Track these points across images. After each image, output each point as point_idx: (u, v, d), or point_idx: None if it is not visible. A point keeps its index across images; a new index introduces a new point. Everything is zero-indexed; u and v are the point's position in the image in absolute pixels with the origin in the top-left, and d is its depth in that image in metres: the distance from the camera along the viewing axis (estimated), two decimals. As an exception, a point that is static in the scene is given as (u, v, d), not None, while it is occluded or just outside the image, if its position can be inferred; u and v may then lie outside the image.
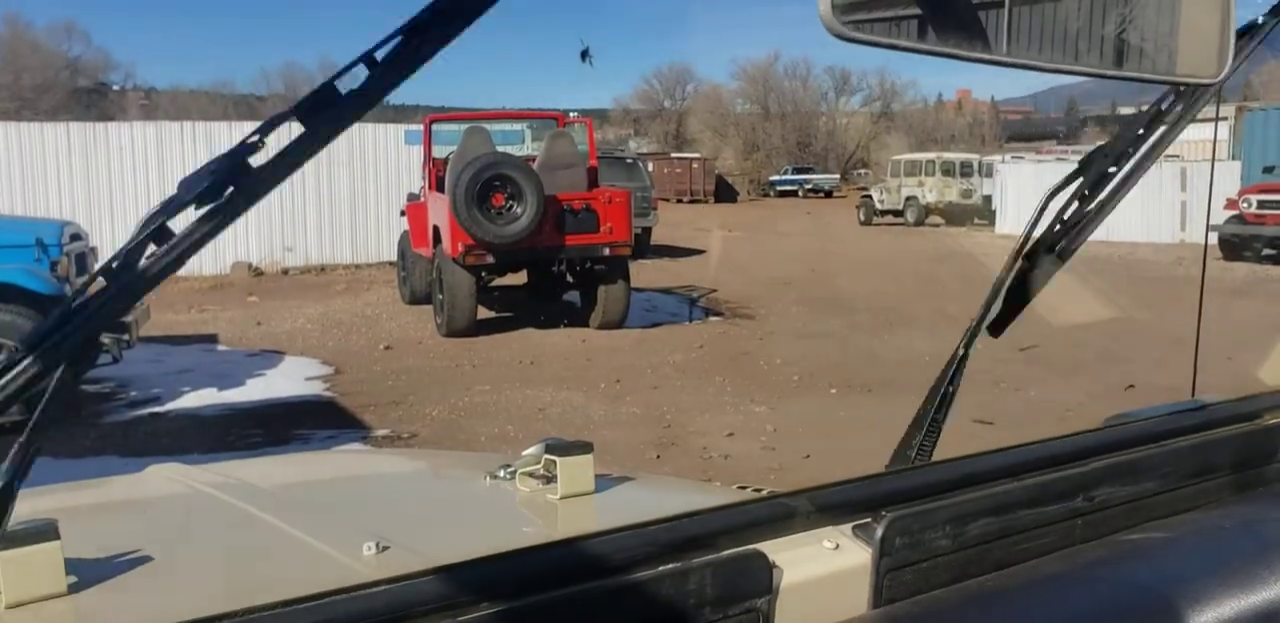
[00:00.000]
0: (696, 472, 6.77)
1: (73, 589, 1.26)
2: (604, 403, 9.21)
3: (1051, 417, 7.96)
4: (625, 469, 1.98)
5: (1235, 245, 21.50)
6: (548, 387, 9.79)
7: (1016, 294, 1.44)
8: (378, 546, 1.40)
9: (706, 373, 10.44)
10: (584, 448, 1.70)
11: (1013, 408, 8.61)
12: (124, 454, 7.60)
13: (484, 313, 13.13)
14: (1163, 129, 1.35)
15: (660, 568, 0.93)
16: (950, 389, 1.48)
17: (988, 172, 36.19)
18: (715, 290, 16.50)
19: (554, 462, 1.68)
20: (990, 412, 8.25)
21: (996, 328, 1.47)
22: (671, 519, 0.98)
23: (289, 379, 10.44)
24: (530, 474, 1.74)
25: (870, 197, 38.71)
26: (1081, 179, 1.43)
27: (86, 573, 1.29)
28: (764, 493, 1.89)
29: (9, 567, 1.20)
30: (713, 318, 14.41)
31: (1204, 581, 1.11)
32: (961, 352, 1.47)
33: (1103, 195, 1.42)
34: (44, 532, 1.22)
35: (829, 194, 57.25)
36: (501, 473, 1.80)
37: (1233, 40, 1.03)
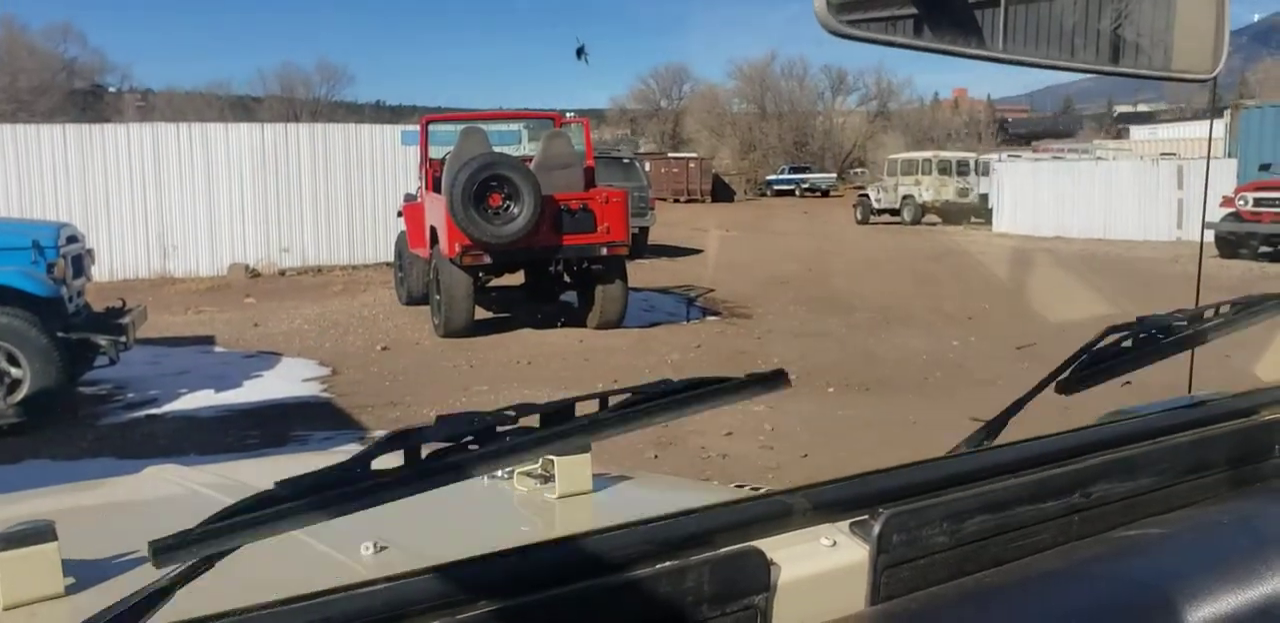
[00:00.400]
0: (695, 471, 6.77)
1: (70, 591, 1.25)
2: (602, 403, 9.20)
3: (1050, 414, 7.95)
4: (623, 469, 1.98)
5: (1232, 243, 21.52)
6: (545, 387, 9.79)
7: (1104, 364, 1.41)
8: (375, 545, 1.40)
9: (704, 372, 10.37)
10: (582, 448, 1.70)
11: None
12: (122, 456, 7.61)
13: (481, 313, 13.14)
14: None
15: (658, 566, 0.93)
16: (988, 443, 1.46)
17: (984, 170, 36.22)
18: (713, 290, 16.51)
19: (551, 461, 1.68)
20: (986, 410, 8.25)
21: (1069, 387, 1.44)
22: (668, 517, 0.98)
23: (286, 380, 10.44)
24: (528, 474, 1.74)
25: (867, 196, 38.71)
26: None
27: (84, 574, 1.29)
28: (762, 491, 1.89)
29: (6, 568, 1.20)
30: (710, 317, 14.41)
31: (1201, 577, 1.11)
32: (1023, 399, 1.45)
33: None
34: (41, 533, 1.22)
35: (826, 193, 57.24)
36: (499, 473, 1.80)
37: (1227, 36, 1.03)
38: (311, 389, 10.07)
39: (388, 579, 0.83)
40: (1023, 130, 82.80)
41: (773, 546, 1.00)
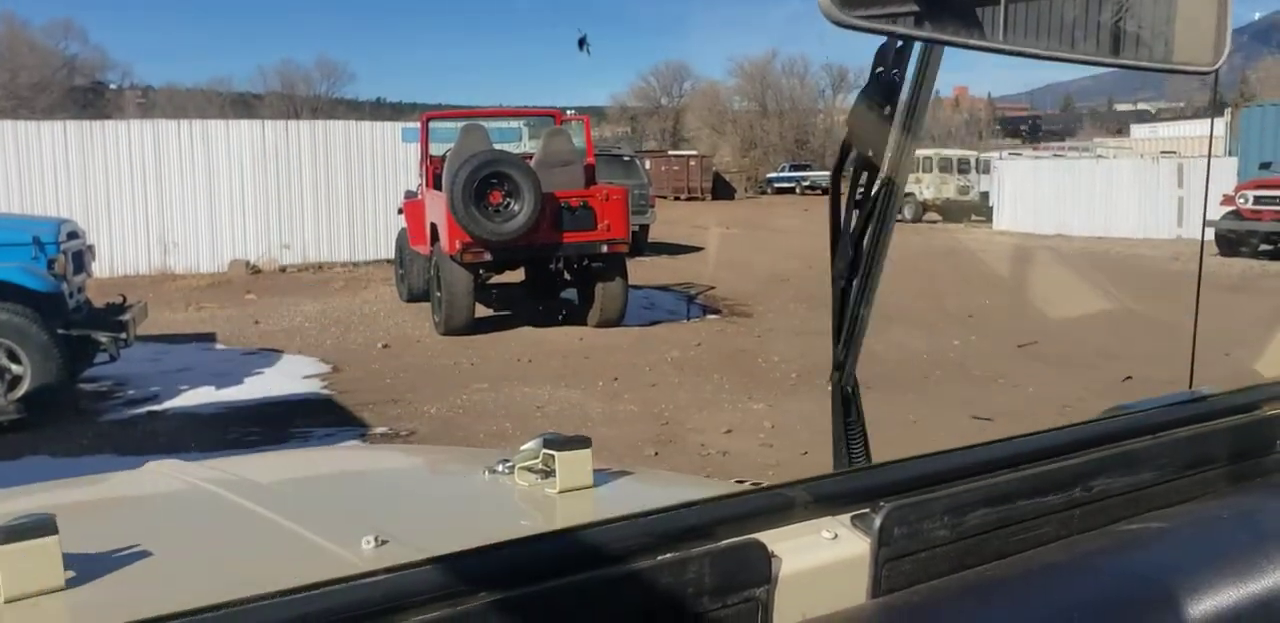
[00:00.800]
0: (695, 468, 6.77)
1: (71, 584, 1.25)
2: (602, 400, 9.21)
3: (1050, 412, 7.97)
4: (624, 464, 1.98)
5: (1231, 241, 21.51)
6: (545, 384, 9.80)
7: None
8: (376, 539, 1.40)
9: (704, 370, 10.45)
10: (582, 442, 1.70)
11: (1011, 404, 8.61)
12: (122, 453, 7.62)
13: (482, 311, 13.14)
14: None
15: (659, 558, 0.93)
16: (850, 389, 1.49)
17: (985, 168, 36.22)
18: (713, 288, 16.51)
19: (552, 456, 1.68)
20: (989, 408, 8.27)
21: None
22: (670, 509, 0.98)
23: (287, 377, 10.44)
24: (529, 468, 1.74)
25: (868, 194, 38.69)
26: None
27: (84, 568, 1.29)
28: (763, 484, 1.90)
29: (6, 561, 1.20)
30: (710, 315, 14.41)
31: (1202, 570, 1.11)
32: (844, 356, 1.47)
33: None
34: (42, 526, 1.22)
35: (826, 191, 57.07)
36: (500, 467, 1.79)
37: (1229, 29, 1.03)
38: (312, 386, 10.08)
39: (388, 570, 0.83)
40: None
41: (774, 538, 1.00)
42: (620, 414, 8.71)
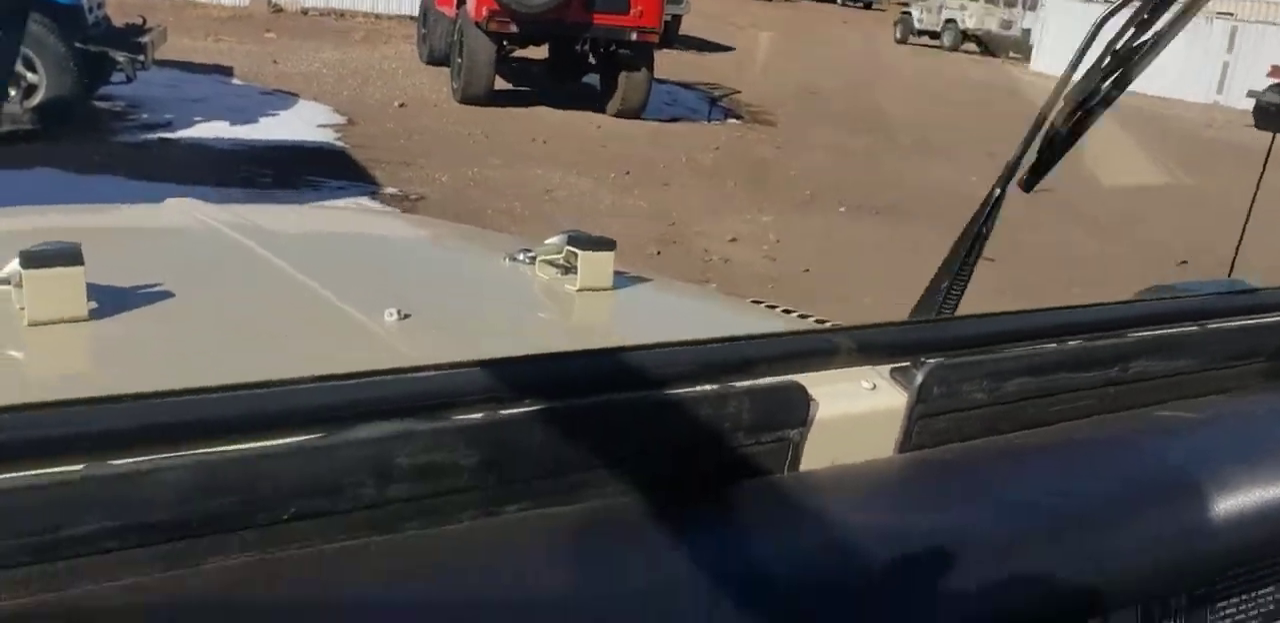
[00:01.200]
0: (695, 273, 6.80)
1: (93, 316, 1.26)
2: (612, 193, 9.18)
3: (1046, 259, 7.96)
4: (640, 269, 1.96)
5: (1271, 114, 20.93)
6: (558, 169, 9.73)
7: (1058, 140, 1.39)
8: (399, 313, 1.41)
9: (718, 176, 10.37)
10: (607, 244, 1.70)
11: (1011, 250, 8.61)
12: (132, 176, 7.62)
13: (501, 83, 12.89)
14: None
15: (699, 388, 0.93)
16: (985, 231, 1.47)
17: (1032, 4, 35.07)
18: (739, 91, 16.14)
19: (575, 254, 1.68)
20: (990, 250, 8.27)
21: (1033, 175, 1.42)
22: (715, 341, 0.97)
23: (302, 123, 10.39)
24: (550, 262, 1.74)
25: (910, 14, 37.57)
26: (1138, 4, 1.35)
27: (107, 300, 1.30)
28: (795, 315, 1.89)
29: (33, 286, 1.21)
30: (732, 120, 14.18)
31: (1231, 463, 1.11)
32: (997, 193, 1.43)
33: (1160, 25, 1.34)
34: (68, 255, 1.22)
35: (868, 5, 55.23)
36: (521, 256, 1.79)
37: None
38: (326, 136, 10.02)
39: (436, 367, 0.83)
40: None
41: (813, 382, 1.00)
42: (628, 209, 8.69)
